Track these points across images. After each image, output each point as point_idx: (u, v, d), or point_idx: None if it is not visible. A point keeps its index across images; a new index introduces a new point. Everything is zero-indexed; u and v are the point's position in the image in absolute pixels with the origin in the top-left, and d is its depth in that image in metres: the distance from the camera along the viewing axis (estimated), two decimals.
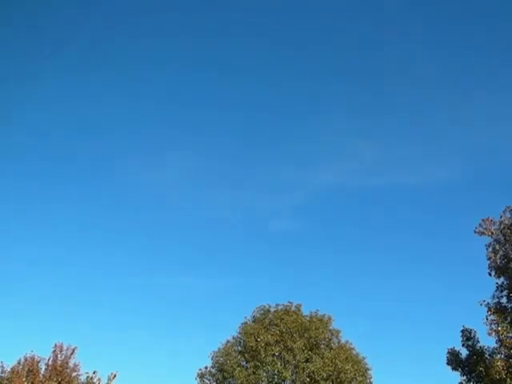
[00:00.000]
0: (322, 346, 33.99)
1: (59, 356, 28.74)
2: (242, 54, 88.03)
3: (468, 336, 24.44)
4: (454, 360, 24.43)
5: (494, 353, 23.29)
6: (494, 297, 23.93)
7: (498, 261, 23.77)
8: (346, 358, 32.71)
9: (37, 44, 79.28)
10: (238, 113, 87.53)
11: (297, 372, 32.42)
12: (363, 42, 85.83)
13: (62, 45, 78.35)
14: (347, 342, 34.37)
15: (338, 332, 34.64)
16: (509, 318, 22.82)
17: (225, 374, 32.73)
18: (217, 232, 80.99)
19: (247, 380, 31.96)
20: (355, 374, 32.58)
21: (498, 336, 22.69)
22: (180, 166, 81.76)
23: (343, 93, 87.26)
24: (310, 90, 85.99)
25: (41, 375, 28.12)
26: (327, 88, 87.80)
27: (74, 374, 28.83)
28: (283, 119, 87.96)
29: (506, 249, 23.90)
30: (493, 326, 22.86)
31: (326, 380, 31.82)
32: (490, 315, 23.11)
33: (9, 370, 28.20)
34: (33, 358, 28.49)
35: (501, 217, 24.43)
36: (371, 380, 33.83)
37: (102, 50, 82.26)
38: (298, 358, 32.38)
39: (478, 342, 24.23)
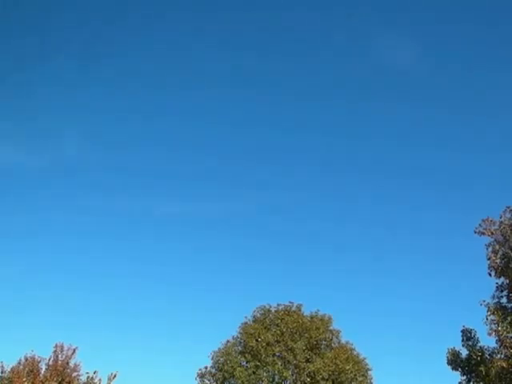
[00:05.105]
0: (323, 346, 34.08)
1: (60, 356, 28.68)
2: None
3: (468, 336, 24.40)
4: (454, 360, 24.38)
5: (494, 353, 23.23)
6: (493, 297, 23.85)
7: (498, 261, 23.68)
8: (347, 358, 32.77)
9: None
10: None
11: (297, 372, 32.47)
12: None
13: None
14: (348, 342, 34.49)
15: (338, 332, 34.74)
16: (509, 318, 22.70)
17: (225, 374, 32.75)
18: (215, 230, 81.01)
19: (247, 380, 32.01)
20: (355, 375, 32.64)
21: (498, 336, 22.59)
22: None
23: None
24: None
25: (41, 375, 28.05)
26: None
27: (75, 374, 28.78)
28: None
29: (505, 249, 23.87)
30: (493, 326, 22.77)
31: (326, 380, 31.88)
32: (489, 315, 23.06)
33: (9, 370, 28.15)
34: (33, 358, 28.43)
35: (501, 217, 24.32)
36: (372, 380, 33.91)
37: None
38: (298, 358, 32.42)
39: (479, 342, 24.17)
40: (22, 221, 71.59)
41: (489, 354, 23.52)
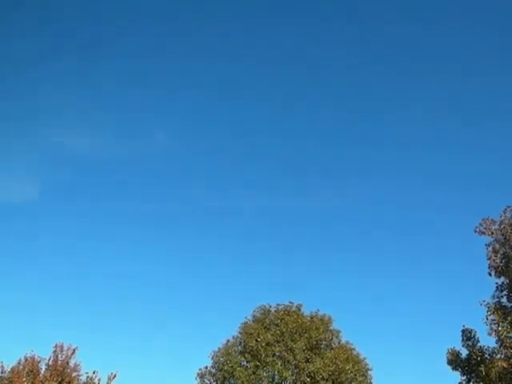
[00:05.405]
0: (323, 346, 34.00)
1: (60, 356, 28.72)
2: None
3: (468, 336, 24.41)
4: (454, 360, 24.40)
5: (494, 353, 23.24)
6: (494, 297, 23.91)
7: (498, 260, 23.72)
8: (347, 358, 32.71)
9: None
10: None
11: (297, 372, 32.41)
12: None
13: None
14: (348, 342, 34.43)
15: (338, 332, 34.66)
16: (509, 318, 22.75)
17: (225, 373, 32.72)
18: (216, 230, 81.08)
19: (247, 380, 31.95)
20: (355, 375, 32.58)
21: (498, 336, 22.65)
22: None
23: None
24: None
25: (41, 375, 28.09)
26: None
27: (75, 374, 28.81)
28: None
29: (506, 249, 23.88)
30: (493, 325, 22.82)
31: (326, 380, 31.81)
32: (490, 315, 23.09)
33: (9, 370, 28.16)
34: (33, 358, 28.45)
35: (501, 216, 24.41)
36: (372, 380, 33.85)
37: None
38: (298, 358, 32.34)
39: (478, 341, 24.22)
40: None
41: (489, 354, 23.54)
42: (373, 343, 57.54)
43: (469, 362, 24.01)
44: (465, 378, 24.23)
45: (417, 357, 59.09)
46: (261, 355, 32.47)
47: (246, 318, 35.30)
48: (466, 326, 24.74)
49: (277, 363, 32.44)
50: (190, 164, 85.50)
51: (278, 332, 33.22)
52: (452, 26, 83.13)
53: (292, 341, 32.79)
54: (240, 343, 34.21)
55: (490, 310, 23.15)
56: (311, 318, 34.47)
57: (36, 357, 28.57)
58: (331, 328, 34.54)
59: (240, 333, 34.51)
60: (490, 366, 22.64)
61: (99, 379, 29.00)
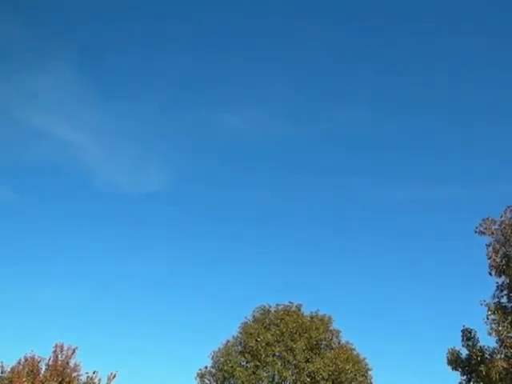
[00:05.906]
0: (323, 346, 34.00)
1: (60, 356, 28.65)
2: None
3: (468, 336, 24.36)
4: (454, 360, 24.33)
5: (495, 353, 23.20)
6: (494, 296, 23.89)
7: (499, 260, 23.73)
8: (347, 358, 32.69)
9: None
10: None
11: (297, 372, 32.40)
12: None
13: None
14: (348, 342, 34.42)
15: (338, 332, 34.65)
16: (509, 318, 22.74)
17: (225, 373, 32.71)
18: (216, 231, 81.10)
19: (247, 380, 31.95)
20: (355, 374, 32.56)
21: (499, 336, 22.65)
22: None
23: None
24: None
25: (41, 375, 28.03)
26: None
27: (75, 374, 28.72)
28: None
29: (506, 248, 23.89)
30: (493, 325, 22.82)
31: (326, 380, 31.80)
32: (490, 315, 23.09)
33: (9, 370, 28.14)
34: (33, 358, 28.39)
35: (501, 216, 24.42)
36: (372, 380, 33.83)
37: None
38: (298, 358, 32.35)
39: (479, 341, 24.16)
40: None
41: (489, 354, 23.47)
42: (373, 343, 57.55)
43: (469, 362, 23.95)
44: (465, 377, 24.17)
45: (417, 357, 59.18)
46: (261, 355, 32.46)
47: (245, 318, 35.34)
48: (465, 326, 24.68)
49: (277, 363, 32.44)
50: None
51: (277, 332, 33.21)
52: (452, 26, 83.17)
53: (292, 341, 32.78)
54: (240, 343, 34.20)
55: (491, 310, 23.14)
56: (311, 318, 34.46)
57: (36, 357, 28.52)
58: (331, 328, 34.52)
59: (240, 333, 34.50)
60: (490, 365, 22.57)
61: (99, 379, 28.97)
